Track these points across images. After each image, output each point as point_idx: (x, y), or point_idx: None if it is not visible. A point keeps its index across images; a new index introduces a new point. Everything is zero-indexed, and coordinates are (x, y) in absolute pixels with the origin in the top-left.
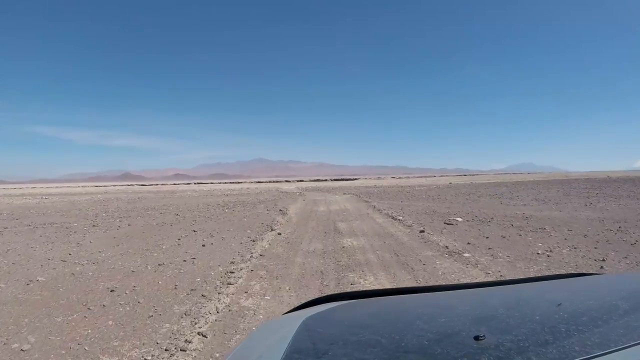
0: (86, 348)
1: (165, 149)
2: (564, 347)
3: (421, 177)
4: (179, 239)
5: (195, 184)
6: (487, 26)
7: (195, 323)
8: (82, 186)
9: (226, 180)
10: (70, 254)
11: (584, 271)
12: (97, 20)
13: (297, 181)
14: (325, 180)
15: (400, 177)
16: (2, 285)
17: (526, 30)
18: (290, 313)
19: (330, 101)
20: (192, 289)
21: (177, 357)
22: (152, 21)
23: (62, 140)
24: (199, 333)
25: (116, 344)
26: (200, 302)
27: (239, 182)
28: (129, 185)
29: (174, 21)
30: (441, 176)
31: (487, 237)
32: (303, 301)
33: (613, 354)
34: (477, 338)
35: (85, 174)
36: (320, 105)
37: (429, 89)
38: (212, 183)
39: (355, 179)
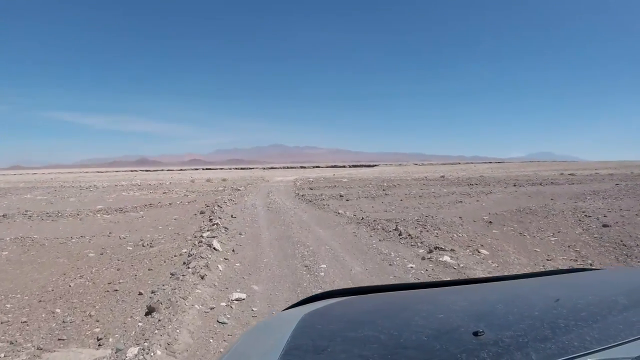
0: None
1: (183, 134)
2: (563, 343)
3: (445, 164)
4: None
5: (204, 169)
6: (502, 17)
7: None
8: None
9: (241, 166)
10: None
11: (584, 266)
12: (113, 7)
13: (313, 167)
14: (343, 166)
15: (422, 164)
16: None
17: (544, 23)
18: (289, 309)
19: (347, 88)
20: None
21: None
22: (169, 6)
23: (79, 125)
24: None
25: None
26: None
27: (251, 168)
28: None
29: (190, 6)
30: (466, 163)
31: None
32: None
33: (612, 349)
34: (476, 334)
35: (101, 159)
36: (337, 92)
37: (445, 77)
38: (222, 169)
39: (374, 165)
